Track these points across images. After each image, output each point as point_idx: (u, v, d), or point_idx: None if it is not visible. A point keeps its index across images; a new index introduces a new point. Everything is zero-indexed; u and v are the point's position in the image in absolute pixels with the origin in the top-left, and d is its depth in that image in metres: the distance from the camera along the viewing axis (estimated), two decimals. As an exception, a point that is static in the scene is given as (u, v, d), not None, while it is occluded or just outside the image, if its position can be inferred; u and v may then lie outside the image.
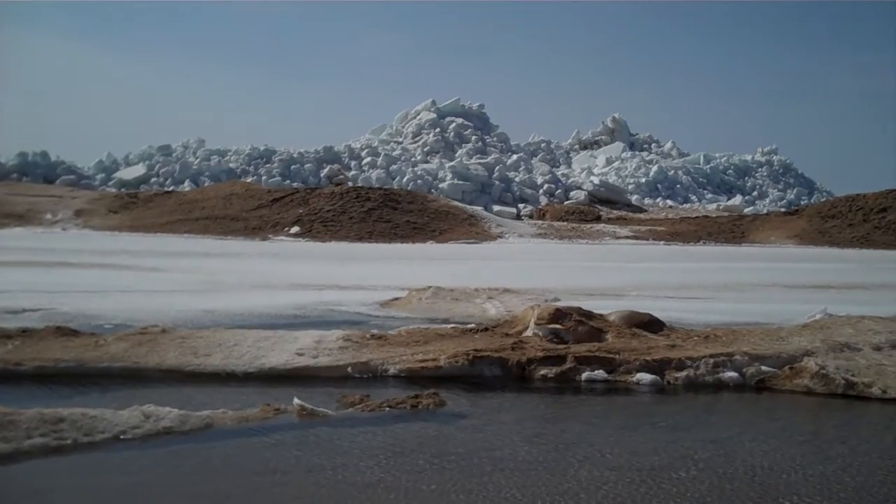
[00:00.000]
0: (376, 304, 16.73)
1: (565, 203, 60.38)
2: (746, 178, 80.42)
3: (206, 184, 59.85)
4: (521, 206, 58.99)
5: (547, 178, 64.74)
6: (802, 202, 71.39)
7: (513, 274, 23.77)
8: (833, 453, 7.91)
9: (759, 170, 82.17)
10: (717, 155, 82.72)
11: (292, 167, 65.18)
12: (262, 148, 67.00)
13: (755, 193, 77.04)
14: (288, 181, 62.37)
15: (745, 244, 46.77)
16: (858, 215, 50.37)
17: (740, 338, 12.35)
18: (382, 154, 66.96)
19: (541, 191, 62.58)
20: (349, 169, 65.44)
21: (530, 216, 56.67)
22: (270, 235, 43.66)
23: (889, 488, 6.92)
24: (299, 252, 34.28)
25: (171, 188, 59.60)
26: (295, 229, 44.75)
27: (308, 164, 65.44)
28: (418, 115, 77.29)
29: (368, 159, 66.29)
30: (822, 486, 6.92)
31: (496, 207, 56.57)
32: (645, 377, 10.79)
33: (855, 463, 7.59)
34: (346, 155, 67.63)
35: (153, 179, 62.76)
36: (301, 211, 46.96)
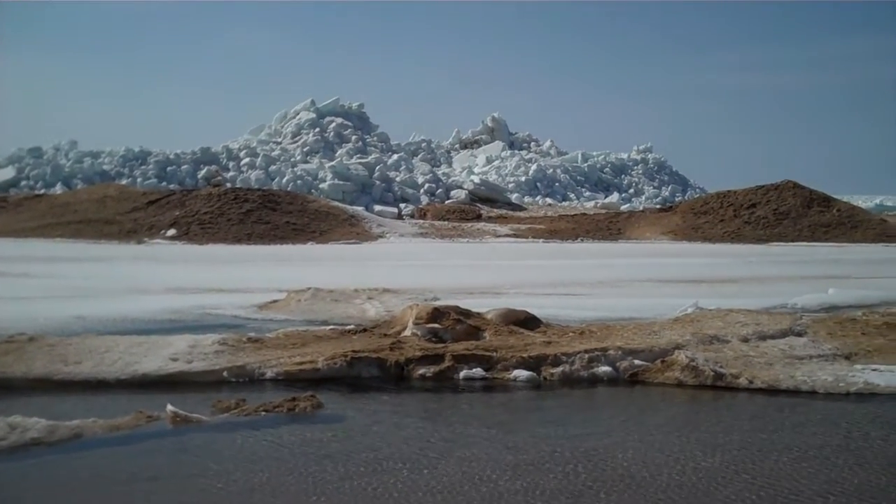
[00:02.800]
0: (254, 307, 16.52)
1: (446, 202, 60.62)
2: (623, 175, 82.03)
3: (79, 186, 58.19)
4: (402, 205, 58.97)
5: (428, 177, 64.88)
6: (677, 199, 73.12)
7: (393, 274, 23.75)
8: (701, 442, 8.12)
9: (635, 168, 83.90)
10: (594, 153, 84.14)
11: (168, 169, 63.90)
12: (136, 149, 65.41)
13: (631, 191, 78.64)
14: (164, 183, 61.10)
15: (621, 241, 47.68)
16: (729, 211, 51.84)
17: (614, 333, 12.60)
18: (261, 155, 66.11)
19: (422, 190, 62.68)
20: (227, 170, 64.43)
21: (411, 216, 56.70)
22: (146, 239, 42.70)
23: (754, 473, 7.13)
24: (176, 255, 33.63)
25: (41, 191, 57.75)
26: (171, 232, 43.86)
27: (185, 166, 64.21)
28: (297, 115, 76.59)
29: (247, 160, 65.34)
30: (690, 474, 7.10)
31: (377, 207, 56.46)
32: (522, 374, 10.91)
33: (721, 450, 7.81)
34: (223, 156, 66.55)
35: (23, 182, 60.72)
36: (177, 213, 46.04)
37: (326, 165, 62.99)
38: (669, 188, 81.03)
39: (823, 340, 12.51)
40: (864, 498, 6.67)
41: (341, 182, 59.69)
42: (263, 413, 9.04)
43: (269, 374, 10.75)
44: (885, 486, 6.96)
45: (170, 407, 8.69)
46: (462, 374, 10.95)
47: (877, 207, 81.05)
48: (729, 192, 54.86)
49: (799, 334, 12.82)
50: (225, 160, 66.19)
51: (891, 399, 10.02)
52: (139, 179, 61.53)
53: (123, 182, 59.20)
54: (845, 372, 10.92)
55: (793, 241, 46.83)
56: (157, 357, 10.98)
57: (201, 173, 63.51)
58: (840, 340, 12.51)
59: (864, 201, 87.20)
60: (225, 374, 10.67)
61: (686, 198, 71.80)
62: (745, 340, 12.38)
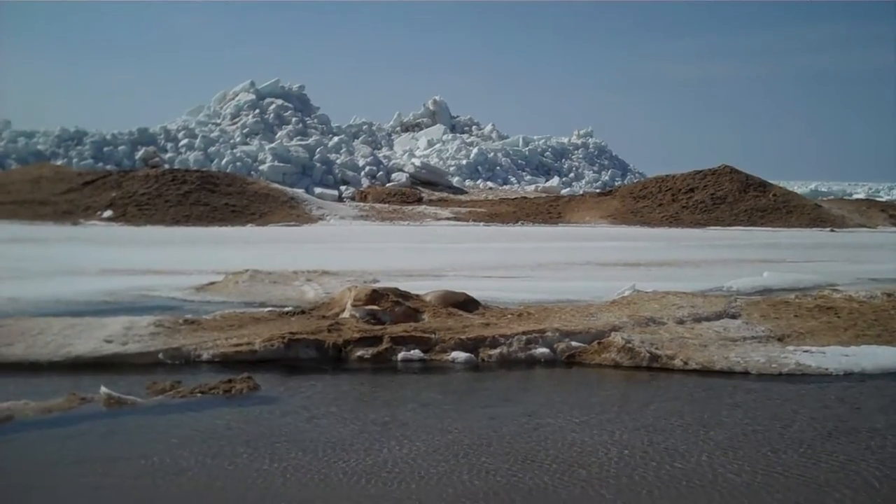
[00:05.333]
0: (191, 289, 16.36)
1: (387, 185, 60.41)
2: (563, 160, 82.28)
3: (13, 167, 57.06)
4: (342, 188, 58.65)
5: (368, 160, 64.59)
6: (616, 183, 73.57)
7: (333, 256, 23.65)
8: (634, 422, 8.21)
9: (576, 152, 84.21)
10: (535, 137, 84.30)
11: (105, 149, 62.85)
12: (72, 129, 64.23)
13: (572, 175, 78.93)
14: (100, 164, 60.07)
15: (561, 224, 47.87)
16: (668, 195, 52.28)
17: (552, 315, 12.68)
18: (200, 136, 65.32)
19: (362, 173, 62.37)
20: (165, 151, 63.58)
21: (352, 198, 56.43)
22: (82, 220, 41.98)
23: (684, 451, 7.23)
24: (112, 237, 33.15)
25: (-27, 171, 56.62)
26: (108, 213, 43.17)
27: (122, 147, 63.21)
28: (237, 96, 75.72)
29: (185, 141, 64.52)
30: (625, 453, 7.18)
31: (317, 190, 56.09)
32: (460, 356, 10.94)
33: (653, 429, 7.91)
34: (161, 137, 65.64)
35: (-46, 163, 59.52)
36: (114, 194, 45.31)
37: (266, 147, 62.44)
38: (609, 173, 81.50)
39: (757, 322, 12.70)
40: (790, 474, 6.79)
41: (281, 164, 59.23)
42: (199, 395, 8.97)
43: (206, 356, 10.66)
44: (809, 462, 7.09)
45: (103, 389, 8.58)
46: (400, 355, 10.96)
47: (812, 193, 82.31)
48: (667, 176, 55.33)
49: (733, 316, 13.01)
50: (163, 141, 65.30)
51: (821, 380, 10.21)
52: (75, 160, 60.44)
53: (59, 163, 58.05)
54: (778, 353, 11.10)
55: (730, 225, 47.38)
56: (92, 339, 10.84)
57: (139, 154, 62.57)
58: (773, 323, 12.72)
59: (799, 187, 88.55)
60: (160, 355, 10.57)
61: (626, 182, 72.26)
62: (681, 322, 12.54)
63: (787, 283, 18.46)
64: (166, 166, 56.82)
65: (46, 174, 49.48)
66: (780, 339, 11.90)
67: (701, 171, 54.46)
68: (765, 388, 9.82)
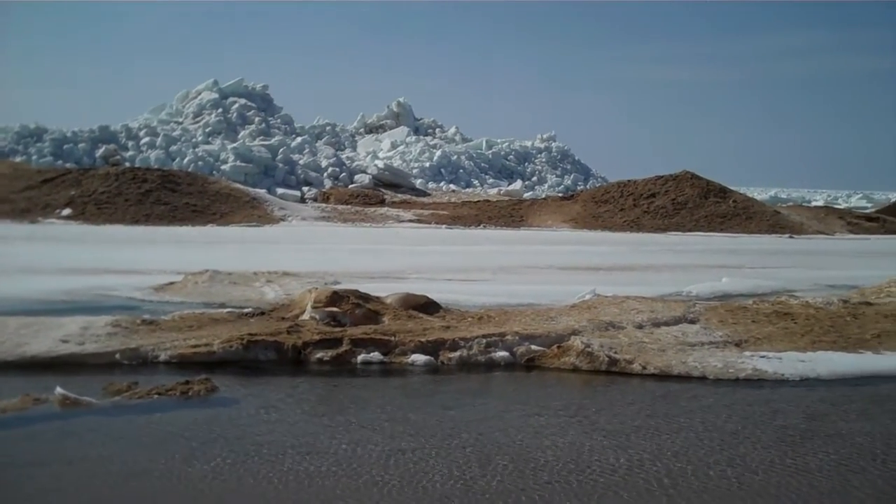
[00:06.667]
0: (150, 289, 16.23)
1: (350, 186, 60.22)
2: (526, 163, 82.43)
3: (-30, 163, 56.41)
4: (305, 189, 58.40)
5: (331, 161, 64.35)
6: (579, 187, 73.82)
7: (294, 257, 23.55)
8: (591, 425, 8.25)
9: (539, 156, 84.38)
10: (498, 141, 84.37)
11: (65, 147, 62.08)
12: (32, 126, 63.44)
13: (535, 179, 79.09)
14: (60, 161, 59.33)
15: (523, 228, 47.97)
16: (629, 200, 52.53)
17: (512, 318, 12.70)
18: (161, 134, 64.75)
19: (325, 174, 62.12)
20: (126, 149, 62.98)
21: (314, 199, 56.20)
22: (40, 218, 41.49)
23: (640, 456, 7.27)
24: (71, 235, 32.81)
25: (-71, 167, 55.80)
26: (67, 212, 42.71)
27: (82, 144, 62.50)
28: (199, 94, 75.15)
29: (147, 140, 63.92)
30: (579, 454, 7.21)
31: (280, 190, 55.81)
32: (419, 358, 10.94)
33: (609, 432, 7.95)
34: (122, 135, 64.97)
35: None
36: (73, 192, 44.83)
37: (228, 147, 62.06)
38: (572, 177, 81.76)
39: (715, 328, 12.80)
40: (744, 479, 6.85)
41: (243, 164, 58.90)
42: (156, 396, 8.91)
43: (164, 356, 10.59)
44: (763, 467, 7.15)
45: (58, 389, 8.50)
46: (360, 358, 10.94)
47: (771, 199, 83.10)
48: (629, 181, 55.58)
49: (692, 321, 13.10)
50: (124, 139, 64.66)
51: (777, 385, 10.31)
52: (34, 157, 59.68)
53: (17, 160, 57.37)
54: (735, 358, 11.20)
55: (690, 230, 47.70)
56: (48, 339, 10.73)
57: (99, 152, 61.91)
58: (731, 328, 12.82)
59: (759, 193, 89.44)
60: (117, 356, 10.48)
61: (588, 187, 72.53)
62: (640, 327, 12.60)
63: (745, 288, 18.62)
64: (127, 165, 56.29)
65: (4, 171, 48.91)
66: (737, 345, 12.00)
67: (662, 177, 54.78)
68: (721, 393, 9.90)
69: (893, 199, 71.11)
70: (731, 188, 55.83)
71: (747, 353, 11.50)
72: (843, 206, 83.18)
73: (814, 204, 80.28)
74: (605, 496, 6.42)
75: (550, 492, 6.47)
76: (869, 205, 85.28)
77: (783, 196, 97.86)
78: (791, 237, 45.22)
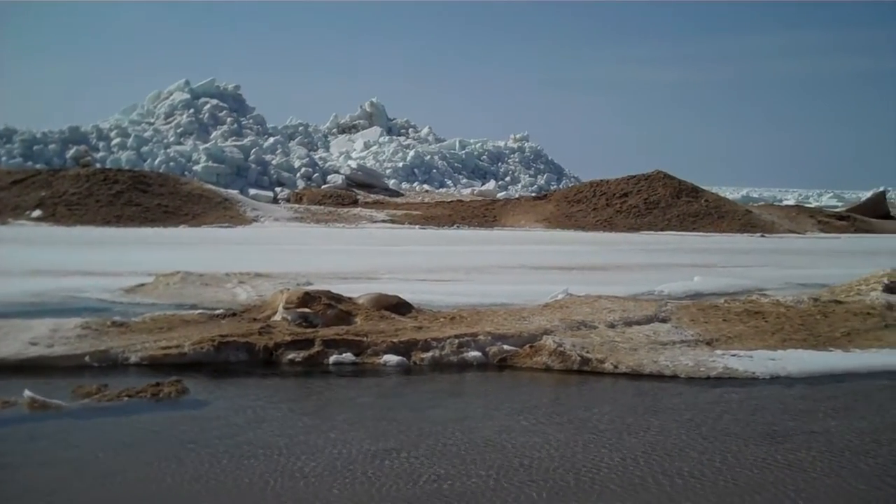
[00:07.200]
0: (121, 291, 16.13)
1: (322, 187, 60.14)
2: (500, 163, 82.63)
3: (-61, 164, 55.90)
4: (277, 189, 58.29)
5: (304, 161, 64.23)
6: (552, 187, 73.99)
7: (267, 258, 23.49)
8: (562, 424, 8.26)
9: (512, 156, 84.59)
10: (472, 141, 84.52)
11: (35, 148, 61.68)
12: (1, 127, 63.01)
13: (508, 179, 79.31)
14: (30, 162, 58.93)
15: (496, 228, 48.04)
16: (602, 200, 52.70)
17: (485, 318, 12.71)
18: (133, 135, 64.42)
19: (298, 174, 62.02)
20: (97, 150, 62.61)
21: (287, 200, 56.08)
22: (10, 220, 41.15)
23: (610, 455, 7.29)
24: (41, 237, 32.56)
25: None
26: (37, 213, 42.39)
27: (52, 145, 62.11)
28: (171, 95, 74.81)
29: (118, 140, 63.59)
30: (554, 453, 7.22)
31: (252, 191, 55.67)
32: (392, 359, 10.93)
33: (581, 431, 7.97)
34: (93, 136, 64.60)
35: None
36: (44, 194, 44.50)
37: (200, 147, 61.83)
38: (545, 177, 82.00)
39: (686, 326, 12.85)
40: (713, 477, 6.88)
41: (216, 165, 58.71)
42: (126, 398, 8.85)
43: (134, 358, 10.52)
44: (732, 465, 7.18)
45: (27, 392, 8.43)
46: (332, 358, 10.91)
47: (743, 199, 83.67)
48: (602, 181, 55.76)
49: (663, 320, 13.15)
50: (95, 140, 64.29)
51: (748, 383, 10.36)
52: (4, 158, 59.25)
53: (-13, 161, 57.03)
54: (706, 357, 11.25)
55: (662, 230, 47.92)
56: (16, 341, 10.63)
57: (70, 153, 61.53)
58: (702, 327, 12.88)
59: (731, 192, 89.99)
60: (87, 358, 10.41)
61: (561, 186, 72.73)
62: (612, 326, 12.63)
63: (717, 287, 18.72)
64: (98, 166, 55.96)
65: (-26, 172, 48.48)
66: (708, 343, 12.05)
67: (635, 177, 55.00)
68: (692, 391, 9.94)
69: (864, 198, 71.62)
70: (703, 188, 56.16)
71: (718, 352, 11.56)
72: (814, 205, 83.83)
73: (785, 203, 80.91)
74: (580, 494, 6.43)
75: (527, 491, 6.47)
76: (840, 204, 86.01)
77: (755, 195, 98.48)
78: (762, 236, 45.52)
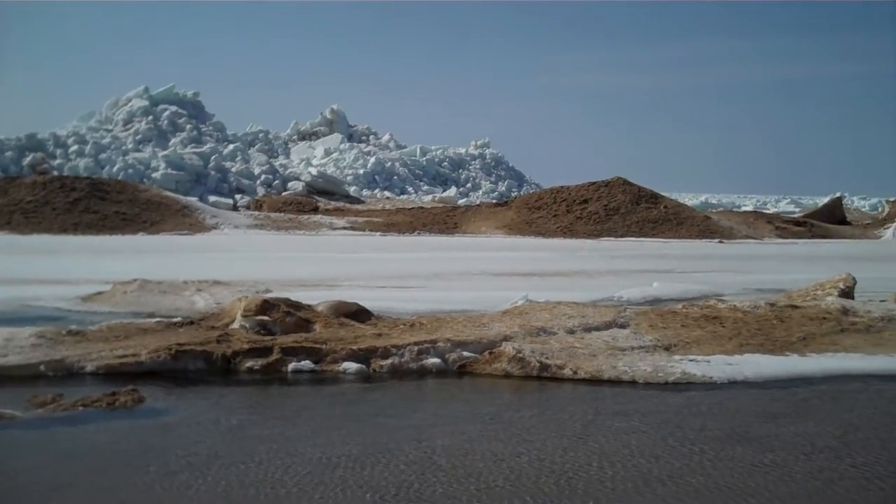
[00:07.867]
0: (77, 299, 15.98)
1: (283, 194, 59.92)
2: (461, 170, 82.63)
3: None
4: (237, 196, 57.97)
5: (264, 168, 63.95)
6: (513, 194, 74.12)
7: (226, 266, 23.36)
8: (520, 431, 8.27)
9: (473, 162, 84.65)
10: (433, 147, 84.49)
11: (-9, 155, 61.06)
12: (-45, 134, 62.29)
13: (469, 185, 79.32)
14: (-15, 170, 58.36)
15: (457, 234, 48.11)
16: (562, 206, 52.95)
17: (444, 325, 12.71)
18: (91, 142, 63.78)
19: (258, 181, 61.72)
20: (54, 157, 61.93)
21: (247, 207, 55.80)
22: (-35, 228, 40.73)
23: (565, 460, 7.30)
24: (-3, 245, 32.20)
25: None
26: (-7, 221, 41.95)
27: (8, 153, 61.32)
28: (129, 101, 74.14)
29: (75, 147, 62.91)
30: (510, 461, 7.23)
31: (212, 198, 55.32)
32: (351, 366, 10.90)
33: (538, 437, 7.98)
34: (50, 143, 63.86)
35: None
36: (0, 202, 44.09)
37: (159, 154, 61.36)
38: (506, 183, 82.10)
39: (645, 332, 12.92)
40: (669, 482, 6.91)
41: (175, 172, 58.27)
42: (81, 408, 8.75)
43: (90, 367, 10.41)
44: (688, 470, 7.22)
45: (-21, 403, 8.32)
46: (291, 366, 10.86)
47: (702, 205, 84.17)
48: (562, 188, 56.03)
49: (622, 326, 13.21)
50: (52, 147, 63.56)
51: (706, 388, 10.43)
52: (-42, 165, 58.57)
53: (-59, 168, 56.25)
54: (664, 362, 11.32)
55: (622, 236, 48.24)
56: (-31, 351, 10.49)
57: (26, 160, 60.77)
58: (661, 332, 12.95)
59: (689, 199, 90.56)
60: (42, 367, 10.28)
61: (522, 193, 72.89)
62: (571, 332, 12.68)
63: (675, 293, 18.85)
64: (55, 173, 55.36)
65: (-73, 180, 47.82)
66: (666, 349, 12.13)
67: (595, 183, 55.31)
68: (651, 396, 9.99)
69: (821, 204, 72.54)
70: (663, 194, 56.60)
71: (676, 357, 11.63)
72: (771, 210, 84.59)
73: (743, 209, 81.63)
74: (540, 499, 6.43)
75: (484, 499, 6.46)
76: (797, 209, 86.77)
77: (713, 202, 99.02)
78: (721, 242, 45.94)
